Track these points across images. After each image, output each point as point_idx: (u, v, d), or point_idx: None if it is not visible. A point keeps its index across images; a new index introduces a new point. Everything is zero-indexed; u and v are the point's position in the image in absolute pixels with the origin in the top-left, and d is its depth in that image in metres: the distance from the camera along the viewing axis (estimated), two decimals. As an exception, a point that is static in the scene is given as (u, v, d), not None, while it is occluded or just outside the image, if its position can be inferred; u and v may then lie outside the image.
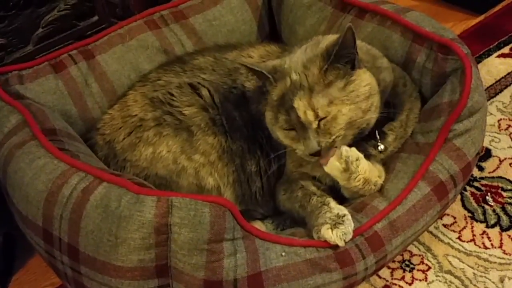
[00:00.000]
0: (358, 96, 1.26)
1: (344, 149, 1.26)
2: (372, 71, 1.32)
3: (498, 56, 2.08)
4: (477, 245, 1.48)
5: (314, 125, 1.26)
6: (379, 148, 1.36)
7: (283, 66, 1.33)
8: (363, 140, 1.34)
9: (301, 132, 1.28)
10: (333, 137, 1.26)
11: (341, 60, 1.26)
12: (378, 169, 1.35)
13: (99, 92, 1.55)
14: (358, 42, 1.35)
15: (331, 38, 1.35)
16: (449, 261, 1.45)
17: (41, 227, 1.18)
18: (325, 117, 1.25)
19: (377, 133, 1.35)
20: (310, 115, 1.25)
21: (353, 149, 1.28)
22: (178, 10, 1.70)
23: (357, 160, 1.27)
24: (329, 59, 1.25)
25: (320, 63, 1.27)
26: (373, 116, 1.29)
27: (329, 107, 1.25)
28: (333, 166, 1.28)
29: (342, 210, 1.24)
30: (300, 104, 1.26)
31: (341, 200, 1.34)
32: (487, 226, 1.52)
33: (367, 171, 1.30)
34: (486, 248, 1.47)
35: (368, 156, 1.32)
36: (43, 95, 1.47)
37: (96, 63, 1.57)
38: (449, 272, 1.42)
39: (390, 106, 1.35)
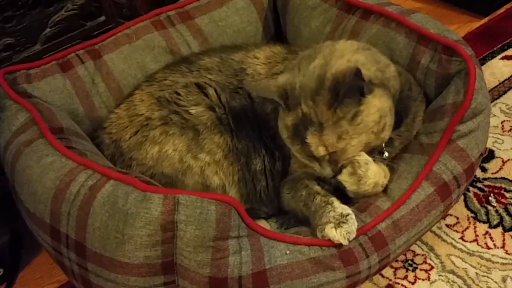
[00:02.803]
0: (367, 125, 1.26)
1: None
2: (385, 84, 1.31)
3: (502, 58, 2.08)
4: (480, 245, 1.49)
5: (326, 157, 1.29)
6: (384, 155, 1.37)
7: (293, 90, 1.30)
8: None
9: (316, 160, 1.31)
10: (342, 163, 1.30)
11: (348, 96, 1.23)
12: (383, 169, 1.36)
13: (105, 92, 1.57)
14: (368, 56, 1.34)
15: (337, 62, 1.29)
16: (452, 261, 1.46)
17: (49, 224, 1.20)
18: (335, 151, 1.27)
19: None
20: (322, 151, 1.28)
21: (362, 153, 1.29)
22: (184, 11, 1.71)
23: (366, 164, 1.29)
24: (337, 97, 1.23)
25: (329, 100, 1.24)
26: (387, 134, 1.30)
27: (338, 143, 1.26)
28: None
29: (345, 209, 1.25)
30: (312, 141, 1.27)
31: (345, 200, 1.35)
32: (490, 227, 1.53)
33: (376, 174, 1.32)
34: (488, 248, 1.48)
35: (372, 159, 1.33)
36: (51, 94, 1.48)
37: (103, 62, 1.58)
38: (451, 271, 1.43)
39: (397, 113, 1.35)
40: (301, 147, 1.31)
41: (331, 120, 1.25)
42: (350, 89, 1.22)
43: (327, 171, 1.31)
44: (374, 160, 1.32)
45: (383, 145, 1.36)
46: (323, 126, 1.26)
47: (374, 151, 1.34)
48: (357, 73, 1.21)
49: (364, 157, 1.29)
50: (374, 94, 1.27)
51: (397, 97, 1.36)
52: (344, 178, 1.30)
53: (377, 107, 1.26)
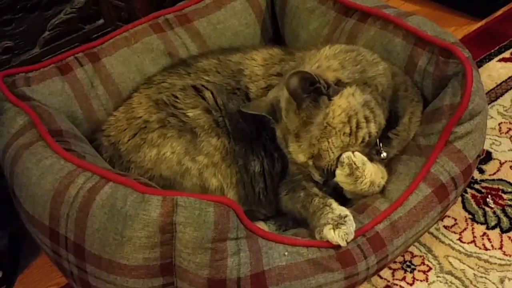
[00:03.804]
0: (334, 127, 1.28)
1: (346, 156, 1.29)
2: (365, 82, 1.32)
3: (499, 60, 2.09)
4: (478, 246, 1.49)
5: (310, 163, 1.33)
6: (382, 155, 1.38)
7: (278, 104, 1.35)
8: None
9: (305, 167, 1.35)
10: (328, 166, 1.31)
11: (306, 99, 1.28)
12: (381, 170, 1.37)
13: (104, 94, 1.57)
14: (343, 59, 1.37)
15: (307, 69, 1.35)
16: (450, 262, 1.46)
17: (48, 226, 1.20)
18: (312, 156, 1.30)
19: (378, 141, 1.36)
20: (301, 157, 1.32)
21: (357, 154, 1.30)
22: (182, 14, 1.72)
23: (363, 164, 1.29)
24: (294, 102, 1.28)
25: (294, 106, 1.29)
26: (372, 127, 1.30)
27: (310, 148, 1.30)
28: (337, 173, 1.31)
29: (344, 211, 1.26)
30: (292, 149, 1.33)
31: (343, 201, 1.36)
32: (487, 228, 1.54)
33: (373, 173, 1.32)
34: (486, 249, 1.49)
35: (370, 159, 1.34)
36: (50, 97, 1.48)
37: (101, 65, 1.58)
38: (449, 273, 1.44)
39: (393, 112, 1.36)
40: (290, 156, 1.35)
41: (300, 124, 1.29)
42: (296, 92, 1.26)
43: (316, 177, 1.34)
44: (372, 160, 1.33)
45: (381, 145, 1.37)
46: (296, 132, 1.30)
47: (371, 151, 1.35)
48: (297, 76, 1.24)
49: (359, 157, 1.29)
50: (341, 94, 1.29)
51: (390, 95, 1.37)
52: (341, 179, 1.31)
53: (342, 108, 1.28)
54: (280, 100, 1.34)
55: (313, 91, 1.27)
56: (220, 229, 1.11)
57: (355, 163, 1.28)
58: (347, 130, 1.28)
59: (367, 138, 1.30)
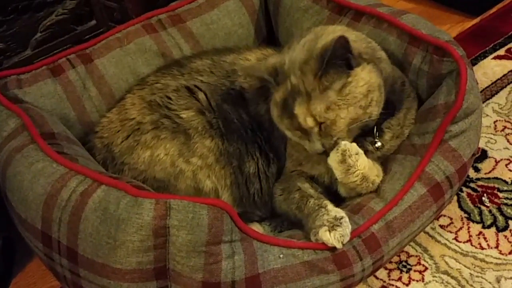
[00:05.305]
0: (355, 97, 1.26)
1: (343, 143, 1.28)
2: (373, 61, 1.32)
3: (494, 58, 2.08)
4: (474, 246, 1.49)
5: (316, 129, 1.28)
6: (376, 145, 1.37)
7: (283, 66, 1.32)
8: (360, 135, 1.35)
9: (306, 134, 1.31)
10: (335, 138, 1.28)
11: (334, 65, 1.25)
12: (377, 167, 1.37)
13: (97, 96, 1.56)
14: (358, 35, 1.37)
15: (328, 36, 1.32)
16: (446, 262, 1.46)
17: (40, 230, 1.19)
18: (324, 122, 1.27)
19: (375, 130, 1.36)
20: (310, 121, 1.27)
21: (353, 144, 1.29)
22: (175, 14, 1.71)
23: (356, 154, 1.28)
24: (322, 65, 1.24)
25: (315, 69, 1.26)
26: (374, 110, 1.29)
27: (327, 113, 1.26)
28: (331, 157, 1.30)
29: (339, 212, 1.25)
30: (299, 111, 1.27)
31: (338, 202, 1.35)
32: (483, 227, 1.53)
33: (366, 167, 1.31)
34: (482, 248, 1.48)
35: (365, 153, 1.33)
36: (42, 99, 1.48)
37: (94, 67, 1.57)
38: (445, 272, 1.43)
39: (389, 103, 1.36)
40: (290, 121, 1.31)
41: (318, 89, 1.26)
42: (334, 56, 1.23)
43: (317, 146, 1.30)
44: (368, 157, 1.33)
45: (377, 134, 1.36)
46: (310, 95, 1.26)
47: (365, 140, 1.35)
48: (342, 40, 1.22)
49: (354, 147, 1.29)
50: (363, 68, 1.28)
51: (390, 83, 1.36)
52: (334, 164, 1.30)
53: (365, 80, 1.27)
54: (286, 63, 1.32)
55: (344, 58, 1.25)
56: (214, 232, 1.10)
57: (349, 150, 1.27)
58: (363, 103, 1.27)
59: (367, 119, 1.29)
